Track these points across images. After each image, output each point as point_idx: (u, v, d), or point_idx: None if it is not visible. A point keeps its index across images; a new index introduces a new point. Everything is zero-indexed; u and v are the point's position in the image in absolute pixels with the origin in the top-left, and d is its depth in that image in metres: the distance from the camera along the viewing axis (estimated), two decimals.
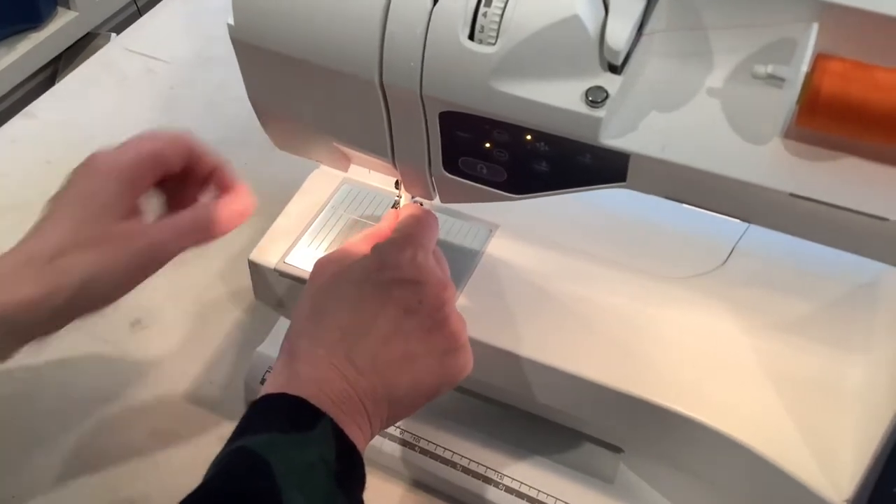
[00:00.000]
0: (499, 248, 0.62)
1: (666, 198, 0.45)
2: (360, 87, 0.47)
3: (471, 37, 0.43)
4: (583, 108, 0.43)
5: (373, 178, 0.65)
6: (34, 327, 0.51)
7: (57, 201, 0.53)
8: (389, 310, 0.50)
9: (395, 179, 0.59)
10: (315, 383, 0.47)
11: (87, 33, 1.42)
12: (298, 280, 0.60)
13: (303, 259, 0.61)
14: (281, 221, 0.63)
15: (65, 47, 1.38)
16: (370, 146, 0.52)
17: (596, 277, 0.60)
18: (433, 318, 0.50)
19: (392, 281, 0.50)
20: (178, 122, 0.91)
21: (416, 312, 0.50)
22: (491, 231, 0.62)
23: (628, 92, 0.44)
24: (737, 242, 0.61)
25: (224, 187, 0.56)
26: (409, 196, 0.60)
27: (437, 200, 0.54)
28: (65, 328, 0.51)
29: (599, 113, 0.42)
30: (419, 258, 0.52)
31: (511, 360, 0.56)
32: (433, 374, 0.50)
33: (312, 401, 0.45)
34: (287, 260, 0.61)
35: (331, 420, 0.45)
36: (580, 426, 0.62)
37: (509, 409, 0.64)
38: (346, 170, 0.58)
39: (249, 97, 0.53)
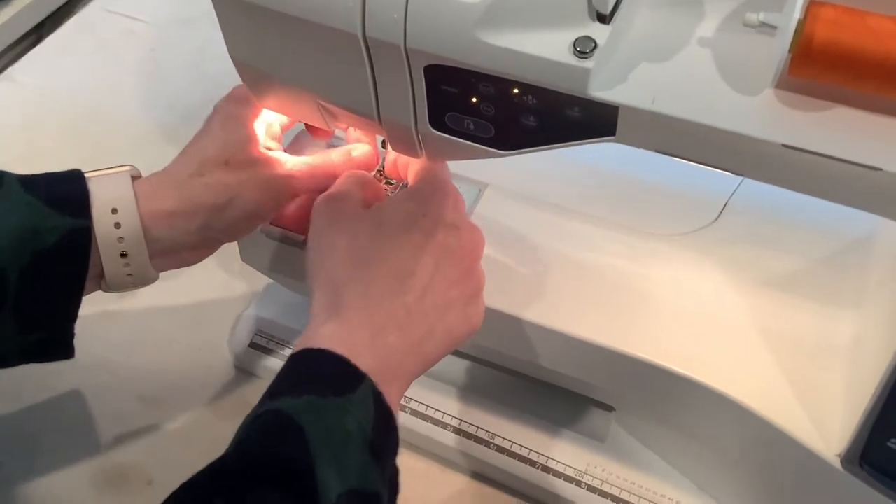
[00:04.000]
0: (488, 207, 0.61)
1: (656, 151, 0.44)
2: (343, 41, 0.46)
3: None
4: (571, 59, 0.41)
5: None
6: (174, 247, 0.53)
7: (201, 131, 0.56)
8: (431, 255, 0.49)
9: (381, 138, 0.58)
10: (368, 332, 0.46)
11: None
12: (285, 241, 0.59)
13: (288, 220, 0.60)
14: None
15: (48, 13, 1.36)
16: (354, 103, 0.50)
17: (587, 236, 0.59)
18: (465, 264, 0.50)
19: (437, 225, 0.50)
20: (160, 84, 0.90)
21: (454, 255, 0.50)
22: (480, 190, 0.62)
23: (617, 42, 0.43)
24: (729, 198, 0.60)
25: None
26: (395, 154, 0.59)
27: (423, 157, 0.53)
28: None
29: (588, 64, 0.41)
30: (459, 204, 0.52)
31: (500, 320, 0.56)
32: (461, 321, 0.50)
33: (357, 359, 0.44)
34: (273, 221, 0.60)
35: (372, 384, 0.44)
36: (571, 385, 0.61)
37: (499, 370, 0.63)
38: (331, 129, 0.57)
39: (230, 54, 0.51)
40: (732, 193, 0.60)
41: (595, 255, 0.58)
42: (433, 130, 0.49)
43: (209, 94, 0.88)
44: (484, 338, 0.58)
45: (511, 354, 0.59)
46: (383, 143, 0.59)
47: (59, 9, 1.34)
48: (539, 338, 0.56)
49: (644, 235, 0.59)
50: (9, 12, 1.23)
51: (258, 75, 0.53)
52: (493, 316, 0.56)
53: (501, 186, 0.62)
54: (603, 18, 0.42)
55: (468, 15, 0.42)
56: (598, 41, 0.41)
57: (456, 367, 0.64)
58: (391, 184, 0.61)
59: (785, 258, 0.57)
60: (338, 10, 0.44)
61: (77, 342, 0.68)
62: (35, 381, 0.66)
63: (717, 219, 0.59)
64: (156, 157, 0.83)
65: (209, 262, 0.73)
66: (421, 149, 0.52)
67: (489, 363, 0.63)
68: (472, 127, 0.48)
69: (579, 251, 0.58)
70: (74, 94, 0.89)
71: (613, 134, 0.44)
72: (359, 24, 0.44)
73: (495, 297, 0.56)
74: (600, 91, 0.42)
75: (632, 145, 0.44)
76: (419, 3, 0.43)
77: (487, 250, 0.58)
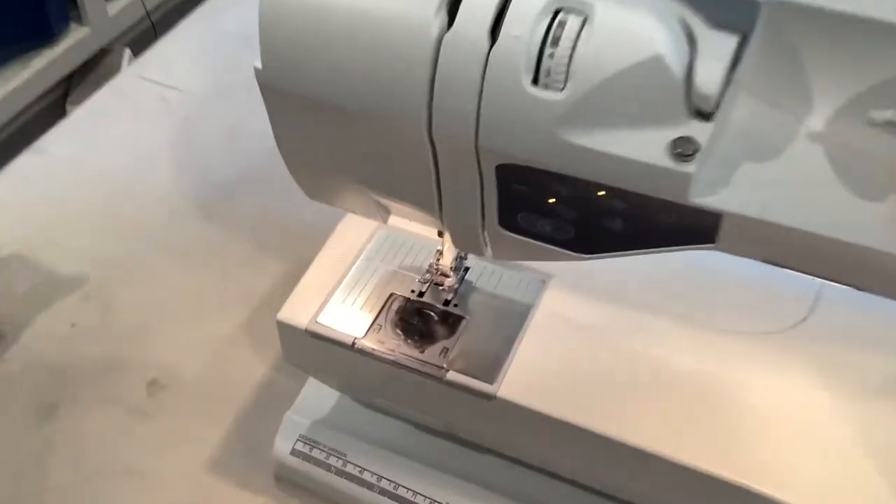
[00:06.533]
0: (554, 300, 0.56)
1: (763, 262, 0.39)
2: (406, 138, 0.41)
3: (535, 81, 0.37)
4: (669, 163, 0.37)
5: (412, 223, 0.59)
6: None
7: None
8: None
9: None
10: None
11: (100, 49, 1.39)
12: (332, 342, 0.54)
13: (336, 318, 0.55)
14: (311, 275, 0.58)
15: (78, 64, 1.35)
16: (414, 200, 0.46)
17: (662, 334, 0.54)
18: None
19: None
20: (194, 156, 0.86)
21: None
22: (545, 282, 0.56)
23: (717, 141, 0.38)
24: (819, 291, 0.55)
25: None
26: (454, 248, 0.55)
27: (488, 255, 0.49)
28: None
29: (689, 168, 0.36)
30: None
31: (566, 430, 0.50)
32: None
33: None
34: (319, 319, 0.55)
35: None
36: (632, 497, 0.56)
37: (558, 479, 0.58)
38: (385, 221, 0.53)
39: (279, 147, 0.47)
40: (823, 286, 0.55)
41: (672, 356, 0.53)
42: (503, 231, 0.44)
43: (245, 166, 0.85)
44: (546, 449, 0.53)
45: (575, 467, 0.54)
46: (440, 232, 0.54)
47: (86, 62, 1.34)
48: (608, 451, 0.50)
49: (726, 334, 0.53)
50: (38, 63, 1.23)
51: (309, 168, 0.48)
52: (556, 425, 0.50)
53: (567, 277, 0.57)
54: (703, 115, 0.37)
55: (549, 112, 0.37)
56: (699, 142, 0.36)
57: (514, 474, 0.58)
58: (447, 276, 0.56)
59: (885, 359, 0.52)
60: (401, 105, 0.40)
61: (104, 445, 0.63)
62: (60, 490, 0.62)
63: (807, 316, 0.54)
64: (191, 234, 0.79)
65: (248, 354, 0.68)
66: (487, 247, 0.48)
67: (548, 472, 0.57)
68: (548, 228, 0.43)
69: (655, 351, 0.53)
70: (106, 166, 0.85)
71: (713, 241, 0.39)
72: (424, 121, 0.40)
73: (559, 403, 0.51)
74: (701, 197, 0.37)
75: (734, 254, 0.40)
76: (494, 98, 0.38)
77: (553, 348, 0.53)
